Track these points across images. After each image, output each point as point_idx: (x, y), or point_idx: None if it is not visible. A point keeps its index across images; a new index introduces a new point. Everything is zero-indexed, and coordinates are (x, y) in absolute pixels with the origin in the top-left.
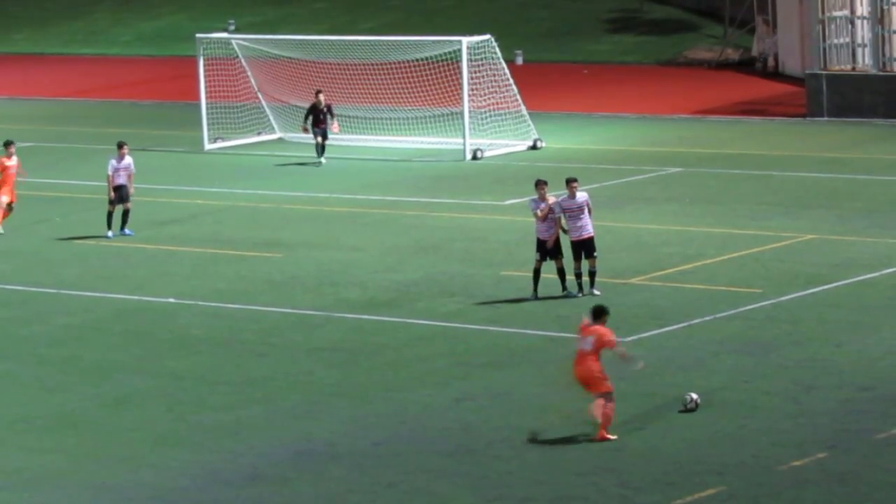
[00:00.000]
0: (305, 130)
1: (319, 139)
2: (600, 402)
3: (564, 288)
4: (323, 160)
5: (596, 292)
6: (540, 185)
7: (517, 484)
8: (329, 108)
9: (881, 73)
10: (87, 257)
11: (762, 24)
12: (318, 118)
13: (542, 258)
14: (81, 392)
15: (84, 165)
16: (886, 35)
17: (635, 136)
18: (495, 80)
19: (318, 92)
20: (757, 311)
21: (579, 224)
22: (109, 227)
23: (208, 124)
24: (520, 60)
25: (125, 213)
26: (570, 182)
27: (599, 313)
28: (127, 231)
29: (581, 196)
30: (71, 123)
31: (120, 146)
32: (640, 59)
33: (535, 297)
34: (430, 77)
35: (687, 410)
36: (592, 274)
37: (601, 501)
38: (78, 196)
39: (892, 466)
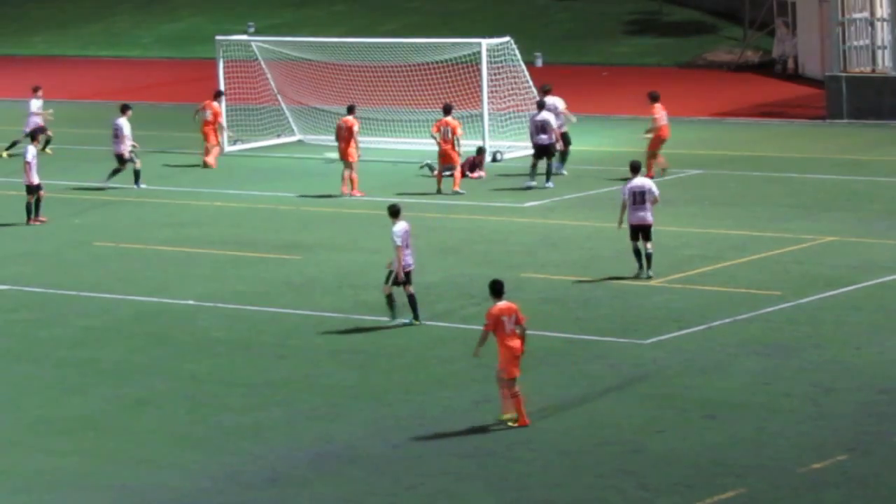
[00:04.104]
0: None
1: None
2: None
3: (416, 317)
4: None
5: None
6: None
7: (537, 486)
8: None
9: None
10: (106, 259)
11: (782, 27)
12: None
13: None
14: (101, 394)
15: (103, 168)
16: None
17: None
18: (515, 83)
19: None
20: (777, 314)
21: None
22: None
23: (228, 126)
24: (539, 62)
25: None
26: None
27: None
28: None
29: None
30: (90, 126)
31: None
32: (660, 61)
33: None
34: (449, 79)
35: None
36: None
37: None
38: (97, 198)
39: None
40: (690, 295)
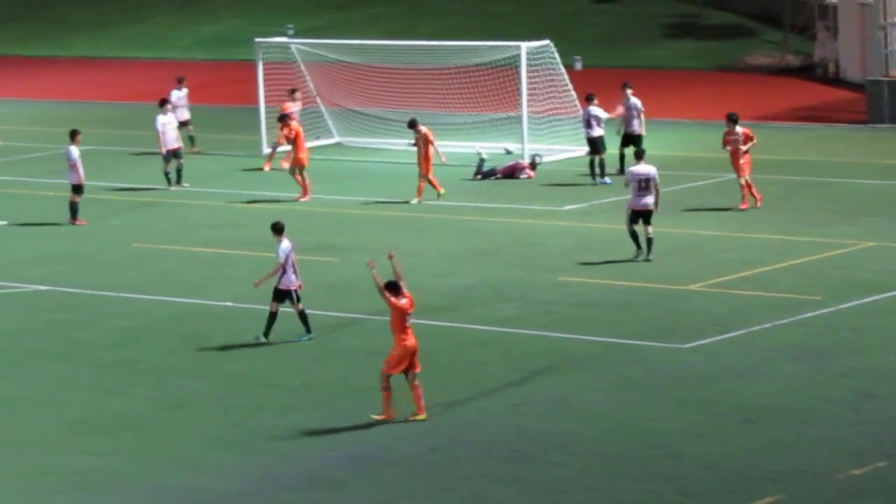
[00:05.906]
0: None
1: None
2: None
3: (308, 331)
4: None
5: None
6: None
7: (573, 490)
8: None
9: None
10: (144, 260)
11: (823, 30)
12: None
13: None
14: (139, 395)
15: (142, 169)
16: None
17: (694, 142)
18: (554, 86)
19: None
20: (816, 319)
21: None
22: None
23: (266, 128)
24: (578, 66)
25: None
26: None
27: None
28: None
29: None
30: (129, 127)
31: None
32: (699, 64)
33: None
34: (488, 82)
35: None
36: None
37: None
38: (136, 200)
39: None
40: (730, 299)
